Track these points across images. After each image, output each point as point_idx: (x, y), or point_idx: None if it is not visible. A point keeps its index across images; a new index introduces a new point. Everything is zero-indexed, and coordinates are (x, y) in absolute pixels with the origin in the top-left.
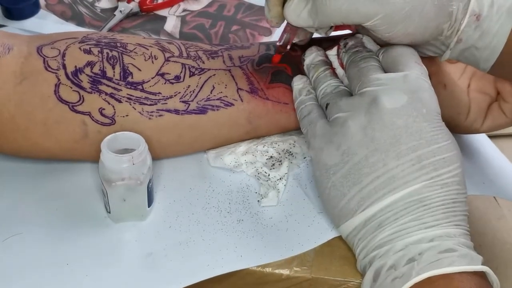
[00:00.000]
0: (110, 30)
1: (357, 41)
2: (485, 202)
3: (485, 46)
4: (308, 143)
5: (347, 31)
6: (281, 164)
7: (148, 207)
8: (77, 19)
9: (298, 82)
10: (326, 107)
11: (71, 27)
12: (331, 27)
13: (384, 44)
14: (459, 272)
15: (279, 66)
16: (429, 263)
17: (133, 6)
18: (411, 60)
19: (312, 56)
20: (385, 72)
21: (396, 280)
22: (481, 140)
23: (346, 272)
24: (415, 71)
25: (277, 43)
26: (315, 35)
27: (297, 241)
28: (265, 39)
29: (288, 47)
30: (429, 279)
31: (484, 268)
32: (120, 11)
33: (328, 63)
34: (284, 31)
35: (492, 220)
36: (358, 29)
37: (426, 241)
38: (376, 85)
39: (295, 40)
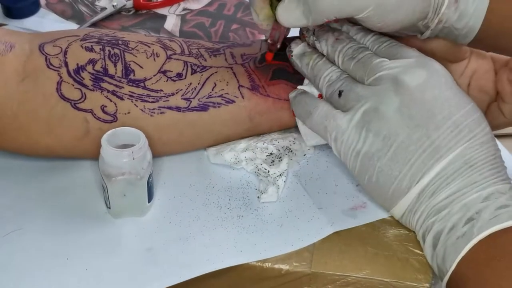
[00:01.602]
0: (108, 27)
1: (321, 27)
2: None
3: (463, 26)
4: (331, 138)
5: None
6: (281, 160)
7: (148, 202)
8: (78, 18)
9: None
10: (340, 95)
11: (71, 26)
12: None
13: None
14: None
15: (281, 64)
16: (489, 219)
17: (127, 2)
18: (401, 46)
19: (300, 46)
20: None
21: (459, 240)
22: None
23: (345, 267)
24: (415, 53)
25: (268, 41)
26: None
27: (297, 236)
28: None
29: (278, 45)
30: (491, 236)
31: None
32: (113, 6)
33: (318, 51)
34: (273, 29)
35: None
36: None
37: (481, 200)
38: (389, 69)
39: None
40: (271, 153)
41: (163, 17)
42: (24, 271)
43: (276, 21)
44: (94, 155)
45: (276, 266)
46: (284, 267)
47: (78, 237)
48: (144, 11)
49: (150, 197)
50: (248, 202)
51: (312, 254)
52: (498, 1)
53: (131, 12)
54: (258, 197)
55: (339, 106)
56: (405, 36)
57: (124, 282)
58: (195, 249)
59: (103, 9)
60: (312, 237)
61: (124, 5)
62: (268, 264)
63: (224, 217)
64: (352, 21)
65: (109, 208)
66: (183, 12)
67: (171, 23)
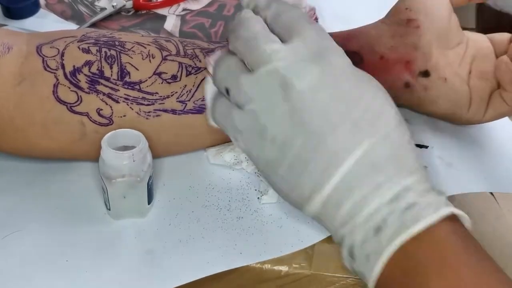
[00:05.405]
0: (108, 28)
1: None
2: (485, 201)
3: None
4: (232, 136)
5: None
6: None
7: (148, 204)
8: (77, 18)
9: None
10: (228, 92)
11: (71, 27)
12: None
13: None
14: (427, 228)
15: None
16: (397, 227)
17: (127, 3)
18: (302, 21)
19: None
20: (276, 35)
21: (370, 257)
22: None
23: (345, 268)
24: (312, 33)
25: None
26: None
27: (297, 237)
28: None
29: None
30: (403, 247)
31: (448, 211)
32: (113, 6)
33: None
34: None
35: (491, 219)
36: None
37: (385, 204)
38: (277, 61)
39: None
40: None
41: (163, 18)
42: (23, 273)
43: None
44: (92, 157)
45: (275, 267)
46: (284, 268)
47: (78, 238)
48: (144, 12)
49: (150, 199)
50: (248, 203)
51: (312, 256)
52: None
53: (131, 13)
54: (258, 198)
55: (236, 103)
56: None
57: (123, 284)
58: (195, 252)
59: (103, 9)
60: (312, 239)
61: (124, 6)
62: (267, 266)
63: (224, 218)
64: None
65: (109, 209)
66: (183, 13)
67: (171, 23)
